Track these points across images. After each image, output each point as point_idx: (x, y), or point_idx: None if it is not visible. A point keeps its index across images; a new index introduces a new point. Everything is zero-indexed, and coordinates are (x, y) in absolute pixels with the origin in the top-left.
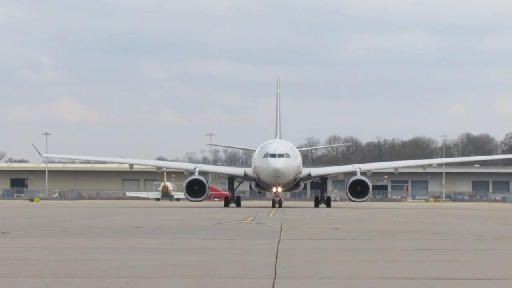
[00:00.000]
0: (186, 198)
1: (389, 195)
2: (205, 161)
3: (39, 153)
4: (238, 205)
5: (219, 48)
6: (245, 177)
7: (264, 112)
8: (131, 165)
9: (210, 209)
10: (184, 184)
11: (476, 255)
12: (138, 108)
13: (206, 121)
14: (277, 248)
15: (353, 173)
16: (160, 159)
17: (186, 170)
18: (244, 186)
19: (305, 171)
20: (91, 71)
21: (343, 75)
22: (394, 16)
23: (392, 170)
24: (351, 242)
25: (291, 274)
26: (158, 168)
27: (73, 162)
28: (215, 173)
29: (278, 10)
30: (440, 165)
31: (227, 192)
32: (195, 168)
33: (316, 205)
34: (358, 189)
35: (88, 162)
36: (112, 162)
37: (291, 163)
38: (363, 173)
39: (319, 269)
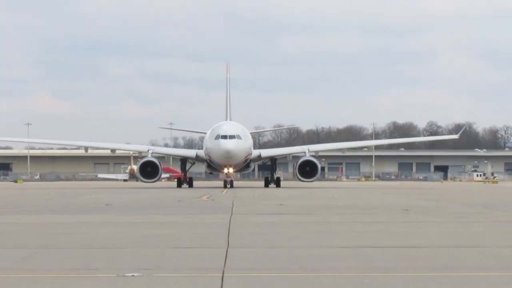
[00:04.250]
0: (139, 179)
1: (326, 175)
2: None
3: None
4: (190, 185)
5: (172, 49)
6: (197, 158)
7: (216, 103)
8: (86, 148)
9: (169, 189)
10: (137, 166)
11: (401, 226)
12: (104, 101)
13: (166, 112)
14: (230, 221)
15: (302, 155)
16: None
17: (139, 152)
18: (200, 168)
19: (255, 152)
20: (63, 69)
21: (284, 72)
22: (326, 20)
23: (339, 153)
24: (294, 216)
25: (242, 244)
26: (112, 150)
27: (51, 149)
28: (167, 155)
29: (227, 17)
30: (370, 148)
31: (181, 173)
32: (148, 150)
33: (266, 185)
34: (307, 170)
35: (64, 148)
36: (66, 145)
37: (242, 145)
38: (311, 155)
39: (265, 239)
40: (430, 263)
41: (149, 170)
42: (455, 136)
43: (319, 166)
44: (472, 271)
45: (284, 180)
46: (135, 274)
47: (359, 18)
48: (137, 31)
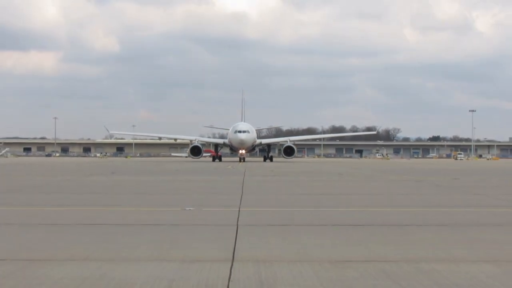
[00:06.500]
0: (190, 157)
1: (296, 155)
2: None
3: (108, 130)
4: (220, 160)
5: (211, 85)
6: (224, 144)
7: (236, 114)
8: (160, 138)
9: (208, 162)
10: (188, 149)
11: (339, 182)
12: (175, 113)
13: (208, 118)
14: (243, 180)
15: (285, 143)
16: None
17: (191, 140)
18: (226, 150)
19: (258, 141)
20: (152, 96)
21: (272, 97)
22: (295, 69)
23: (304, 141)
24: (278, 177)
25: (250, 192)
26: (175, 139)
27: (145, 139)
28: (207, 142)
29: (242, 67)
30: (320, 140)
31: (215, 153)
32: (195, 139)
33: (264, 160)
34: (288, 151)
35: (152, 138)
36: (153, 136)
37: (250, 136)
38: (291, 143)
39: (262, 189)
40: (353, 203)
41: (195, 151)
42: (374, 132)
43: (295, 149)
44: (373, 208)
45: (274, 157)
46: (191, 208)
47: (313, 68)
48: (191, 75)
